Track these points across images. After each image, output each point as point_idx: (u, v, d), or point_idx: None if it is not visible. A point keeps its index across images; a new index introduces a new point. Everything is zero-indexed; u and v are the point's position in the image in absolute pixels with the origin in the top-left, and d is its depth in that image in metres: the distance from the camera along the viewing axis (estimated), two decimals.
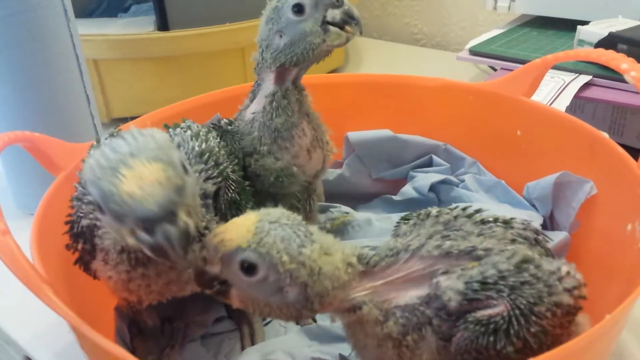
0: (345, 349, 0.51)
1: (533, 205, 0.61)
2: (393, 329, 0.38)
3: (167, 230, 0.34)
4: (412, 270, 0.39)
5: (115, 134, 0.39)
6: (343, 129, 0.71)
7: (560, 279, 0.38)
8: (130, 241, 0.36)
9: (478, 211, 0.43)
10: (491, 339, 0.37)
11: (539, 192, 0.60)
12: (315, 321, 0.55)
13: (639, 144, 0.50)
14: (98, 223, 0.43)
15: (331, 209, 0.66)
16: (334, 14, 0.50)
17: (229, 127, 0.56)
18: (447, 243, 0.39)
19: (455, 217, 0.42)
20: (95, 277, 0.47)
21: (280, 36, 0.51)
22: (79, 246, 0.46)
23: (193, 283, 0.43)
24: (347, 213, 0.66)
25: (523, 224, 0.43)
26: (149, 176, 0.34)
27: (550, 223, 0.60)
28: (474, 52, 0.86)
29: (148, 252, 0.36)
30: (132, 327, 0.53)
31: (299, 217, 0.38)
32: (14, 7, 0.61)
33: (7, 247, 0.40)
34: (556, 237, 0.56)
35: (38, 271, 0.41)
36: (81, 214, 0.44)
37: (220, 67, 0.86)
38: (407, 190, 0.68)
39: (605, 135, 0.55)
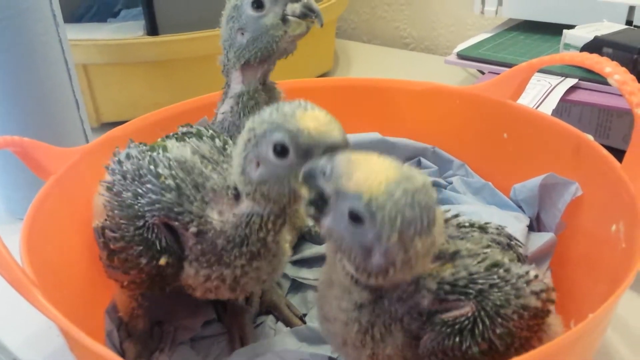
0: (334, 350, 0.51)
1: (520, 207, 0.62)
2: (363, 317, 0.39)
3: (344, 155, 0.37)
4: None
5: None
6: None
7: (528, 282, 0.39)
8: (304, 190, 0.37)
9: (456, 216, 0.45)
10: (456, 339, 0.37)
11: (525, 193, 0.60)
12: (304, 321, 0.56)
13: (624, 145, 0.50)
14: (203, 227, 0.44)
15: None
16: (294, 8, 0.51)
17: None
18: (445, 246, 0.40)
19: None
20: (168, 285, 0.48)
21: (242, 33, 0.52)
22: (162, 261, 0.45)
23: (284, 267, 0.48)
24: None
25: (497, 229, 0.44)
26: (323, 118, 0.39)
27: (536, 224, 0.61)
28: (461, 56, 0.87)
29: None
30: (122, 330, 0.53)
31: (434, 195, 0.35)
32: (2, 13, 0.61)
33: None
34: (542, 238, 0.57)
35: (28, 275, 0.41)
36: (163, 228, 0.45)
37: (209, 72, 0.86)
38: None
39: (591, 137, 0.55)
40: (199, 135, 0.50)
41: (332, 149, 0.38)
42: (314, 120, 0.38)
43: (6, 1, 0.60)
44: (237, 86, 0.54)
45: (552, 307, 0.40)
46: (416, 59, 1.19)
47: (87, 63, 0.85)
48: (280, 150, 0.39)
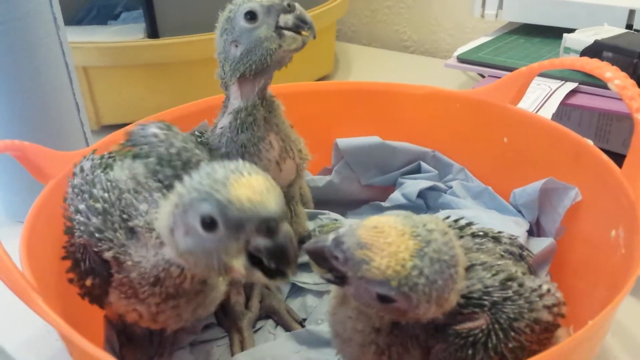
0: (333, 354, 0.51)
1: (519, 212, 0.62)
2: (381, 338, 0.39)
3: (288, 229, 0.35)
4: None
5: None
6: (332, 135, 0.71)
7: (541, 296, 0.39)
8: (236, 262, 0.36)
9: (469, 224, 0.44)
10: (469, 351, 0.37)
11: (525, 198, 0.60)
12: (303, 326, 0.56)
13: (624, 150, 0.50)
14: (122, 256, 0.42)
15: (320, 216, 0.67)
16: (287, 19, 0.50)
17: (200, 139, 0.55)
18: None
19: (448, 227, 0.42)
20: (103, 307, 0.47)
21: (236, 46, 0.51)
22: (88, 282, 0.45)
23: (216, 303, 0.45)
24: (336, 220, 0.67)
25: (510, 238, 0.44)
26: (259, 185, 0.35)
27: (536, 229, 0.61)
28: (461, 59, 0.87)
29: (265, 257, 0.35)
30: (121, 335, 0.53)
31: (455, 241, 0.35)
32: (3, 16, 0.61)
33: None
34: (542, 243, 0.57)
35: (27, 279, 0.41)
36: (90, 249, 0.44)
37: (210, 75, 0.86)
38: (396, 197, 0.68)
39: (590, 142, 0.55)
40: (146, 155, 0.47)
41: (266, 222, 0.35)
42: (248, 188, 0.35)
43: (6, 4, 0.61)
44: (235, 101, 0.54)
45: (561, 321, 0.40)
46: (416, 62, 1.20)
47: (87, 66, 0.85)
48: (209, 223, 0.35)
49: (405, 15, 1.29)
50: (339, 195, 0.71)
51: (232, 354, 0.53)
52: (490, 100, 0.63)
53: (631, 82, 0.50)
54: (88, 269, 0.44)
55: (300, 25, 0.50)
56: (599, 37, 0.76)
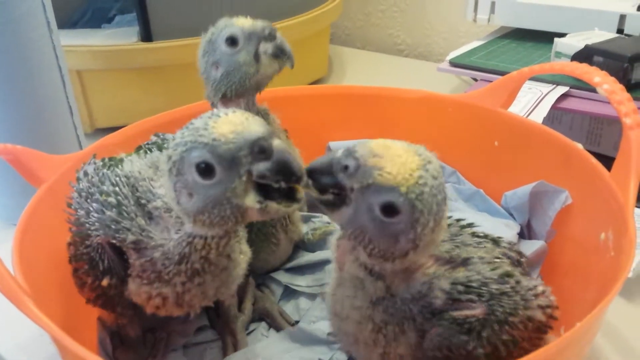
0: (325, 352, 0.52)
1: (510, 214, 0.62)
2: (377, 315, 0.39)
3: (281, 144, 0.37)
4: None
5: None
6: (325, 138, 0.72)
7: (536, 296, 0.40)
8: (248, 200, 0.37)
9: (471, 224, 0.45)
10: (464, 338, 0.38)
11: (516, 201, 0.61)
12: (296, 322, 0.56)
13: (615, 153, 0.51)
14: (144, 239, 0.42)
15: (313, 219, 0.67)
16: (266, 47, 0.52)
17: None
18: (456, 251, 0.41)
19: (449, 225, 0.43)
20: (114, 310, 0.47)
21: (217, 67, 0.53)
22: (105, 282, 0.45)
23: (238, 282, 0.46)
24: (329, 223, 0.67)
25: (509, 244, 0.45)
26: (237, 118, 0.36)
27: (527, 231, 0.61)
28: (454, 63, 0.88)
29: (271, 179, 0.36)
30: (115, 337, 0.53)
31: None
32: None
33: None
34: (533, 246, 0.57)
35: (19, 283, 0.41)
36: (107, 247, 0.44)
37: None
38: None
39: (580, 146, 0.56)
40: (159, 147, 0.49)
41: (258, 146, 0.36)
42: (228, 124, 0.36)
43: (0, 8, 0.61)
44: None
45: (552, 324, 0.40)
46: (410, 66, 1.20)
47: (81, 69, 0.85)
48: (205, 168, 0.36)
49: (399, 19, 1.29)
50: None
51: (225, 356, 0.53)
52: (482, 104, 0.64)
53: (620, 87, 0.50)
54: (106, 269, 0.44)
55: (278, 55, 0.52)
56: (589, 42, 0.77)
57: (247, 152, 0.36)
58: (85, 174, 0.47)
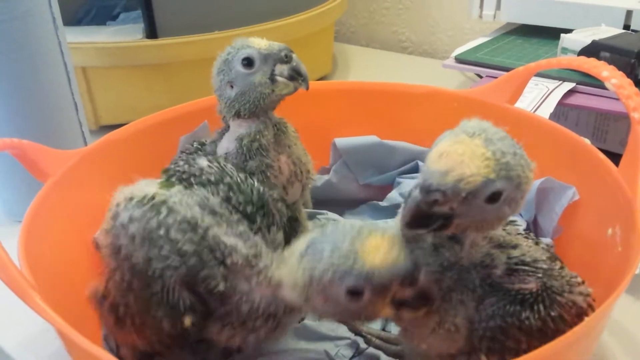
0: (330, 347, 0.51)
1: None
2: (446, 280, 0.40)
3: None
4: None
5: None
6: (330, 135, 0.71)
7: (578, 284, 0.41)
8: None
9: (513, 222, 0.46)
10: (517, 307, 0.39)
11: None
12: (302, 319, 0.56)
13: (621, 149, 0.50)
14: (229, 290, 0.43)
15: (318, 216, 0.67)
16: (282, 69, 0.51)
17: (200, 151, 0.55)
18: (507, 237, 0.43)
19: None
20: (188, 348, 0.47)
21: (232, 87, 0.52)
22: (187, 321, 0.43)
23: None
24: (335, 220, 0.67)
25: (547, 245, 0.46)
26: (385, 245, 0.38)
27: (533, 228, 0.61)
28: (459, 59, 0.87)
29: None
30: None
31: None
32: (1, 14, 0.61)
33: None
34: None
35: (26, 278, 0.41)
36: (183, 288, 0.43)
37: (208, 75, 0.87)
38: (394, 196, 0.69)
39: (587, 141, 0.56)
40: (201, 183, 0.48)
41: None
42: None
43: (5, 3, 0.61)
44: (238, 129, 0.54)
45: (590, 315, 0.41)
46: (414, 63, 1.20)
47: (86, 66, 0.85)
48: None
49: (403, 16, 1.29)
50: (336, 194, 0.71)
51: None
52: (488, 99, 0.63)
53: (628, 81, 0.50)
54: (188, 307, 0.43)
55: (294, 77, 0.52)
56: (596, 38, 0.76)
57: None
58: (131, 219, 0.44)
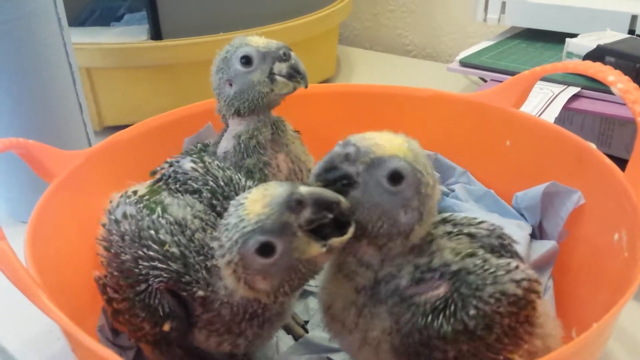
0: (337, 358, 0.51)
1: (522, 215, 0.62)
2: (360, 298, 0.41)
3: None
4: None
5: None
6: (334, 138, 0.71)
7: (508, 271, 0.39)
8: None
9: (446, 219, 0.45)
10: (429, 318, 0.38)
11: (527, 201, 0.60)
12: (306, 329, 0.55)
13: (626, 154, 0.50)
14: (211, 295, 0.43)
15: None
16: (281, 68, 0.52)
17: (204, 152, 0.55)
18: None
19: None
20: (173, 354, 0.46)
21: (230, 85, 0.52)
22: (166, 327, 0.44)
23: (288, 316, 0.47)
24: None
25: (488, 230, 0.44)
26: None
27: (539, 232, 0.61)
28: (464, 63, 0.87)
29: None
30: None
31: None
32: (6, 15, 0.61)
33: (2, 252, 0.40)
34: (544, 246, 0.57)
35: (33, 277, 0.41)
36: (166, 293, 0.43)
37: None
38: None
39: (593, 146, 0.55)
40: (186, 190, 0.48)
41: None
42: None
43: (10, 4, 0.61)
44: (236, 127, 0.54)
45: (536, 299, 0.40)
46: (418, 66, 1.20)
47: (90, 67, 0.86)
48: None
49: (407, 19, 1.29)
50: None
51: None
52: (493, 103, 0.63)
53: (634, 86, 0.50)
54: (167, 313, 0.43)
55: (293, 75, 0.52)
56: (601, 42, 0.76)
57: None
58: (126, 215, 0.46)
